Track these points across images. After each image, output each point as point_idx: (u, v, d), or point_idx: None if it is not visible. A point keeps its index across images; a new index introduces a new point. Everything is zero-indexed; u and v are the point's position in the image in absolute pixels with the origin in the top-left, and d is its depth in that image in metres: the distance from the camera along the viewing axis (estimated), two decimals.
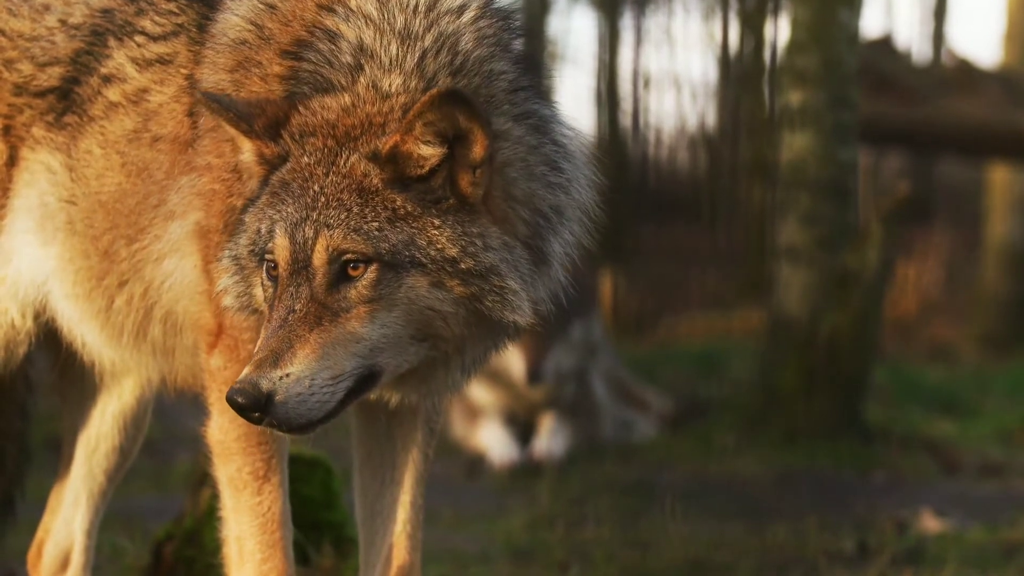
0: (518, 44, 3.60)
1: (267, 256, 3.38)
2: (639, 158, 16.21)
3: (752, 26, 14.60)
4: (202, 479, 4.76)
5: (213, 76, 3.64)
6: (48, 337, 4.09)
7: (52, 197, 3.90)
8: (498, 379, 8.28)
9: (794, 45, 8.10)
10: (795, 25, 8.12)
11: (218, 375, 3.66)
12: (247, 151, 3.49)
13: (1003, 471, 7.90)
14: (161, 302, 3.79)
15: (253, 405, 3.25)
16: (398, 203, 3.33)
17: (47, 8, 3.99)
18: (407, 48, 3.44)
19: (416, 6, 3.49)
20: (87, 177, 3.85)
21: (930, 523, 6.40)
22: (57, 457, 4.39)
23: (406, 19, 3.47)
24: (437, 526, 6.20)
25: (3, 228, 3.97)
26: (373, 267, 3.31)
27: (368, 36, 3.46)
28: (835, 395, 7.98)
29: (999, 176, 12.92)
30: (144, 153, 3.79)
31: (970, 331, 13.21)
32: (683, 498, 6.53)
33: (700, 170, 15.69)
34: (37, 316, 4.01)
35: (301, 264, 3.32)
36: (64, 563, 4.35)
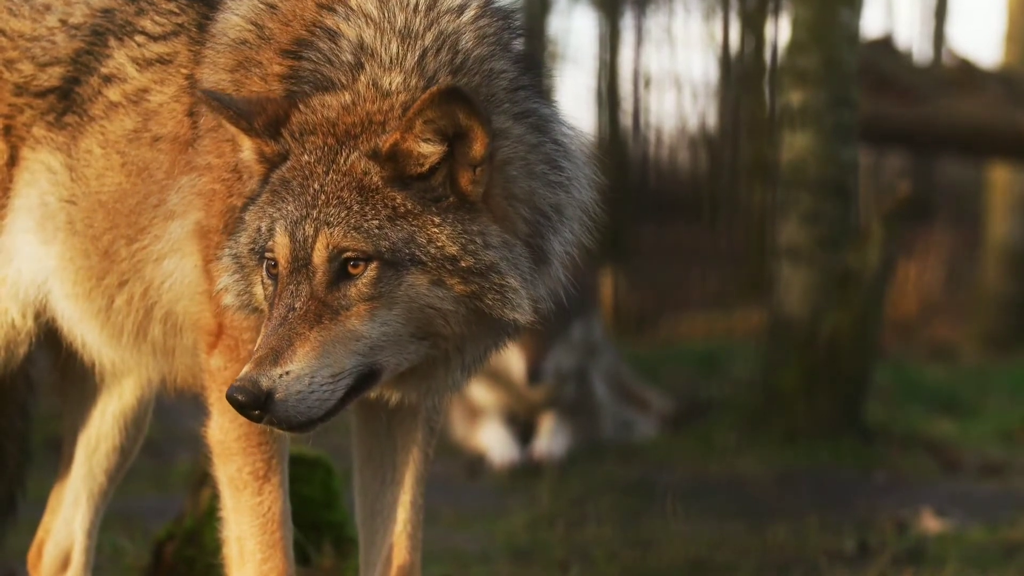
0: (518, 43, 3.60)
1: (267, 254, 3.38)
2: (640, 158, 16.20)
3: (753, 26, 14.60)
4: (202, 479, 4.76)
5: (213, 76, 3.64)
6: (49, 337, 4.09)
7: (52, 197, 3.90)
8: (498, 379, 8.28)
9: (795, 45, 8.10)
10: (796, 25, 8.12)
11: (218, 375, 3.66)
12: (247, 149, 3.49)
13: (1003, 471, 7.90)
14: (161, 302, 3.79)
15: (253, 403, 3.25)
16: (398, 201, 3.34)
17: (48, 8, 3.99)
18: (407, 46, 3.44)
19: (416, 5, 3.49)
20: (87, 177, 3.85)
21: (930, 523, 6.40)
22: (57, 457, 4.39)
23: (406, 18, 3.47)
24: (437, 526, 6.20)
25: (4, 228, 3.97)
26: (373, 265, 3.31)
27: (368, 35, 3.47)
28: (836, 395, 7.98)
29: (999, 176, 12.92)
30: (144, 153, 3.79)
31: (970, 331, 13.21)
32: (683, 498, 6.53)
33: (701, 170, 15.68)
34: (37, 316, 4.01)
35: (301, 262, 3.32)
36: (64, 563, 4.35)
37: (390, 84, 3.42)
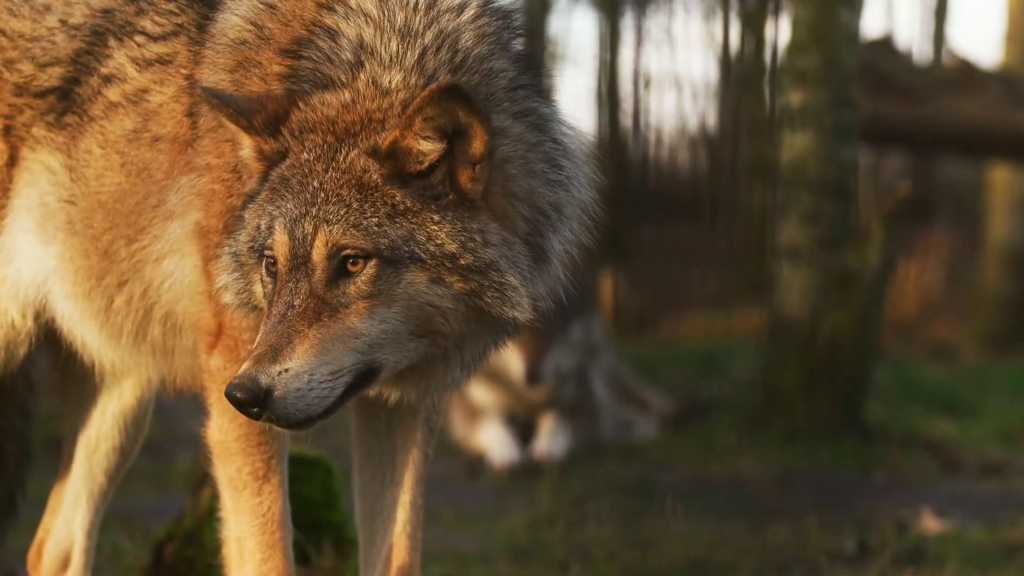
0: (518, 43, 3.60)
1: (266, 252, 3.38)
2: (639, 158, 16.20)
3: (753, 26, 14.59)
4: (202, 479, 4.76)
5: (213, 76, 3.65)
6: (49, 337, 4.09)
7: (52, 197, 3.90)
8: (498, 379, 8.28)
9: (795, 45, 8.10)
10: (796, 25, 8.12)
11: (218, 375, 3.66)
12: (247, 147, 3.49)
13: (1003, 471, 7.90)
14: (161, 302, 3.79)
15: (252, 400, 3.25)
16: (397, 199, 3.34)
17: (48, 8, 3.99)
18: (407, 45, 3.45)
19: (416, 4, 3.50)
20: (87, 177, 3.85)
21: (930, 523, 6.40)
22: (57, 457, 4.39)
23: (406, 16, 3.48)
24: (437, 526, 6.20)
25: (3, 228, 3.97)
26: (372, 263, 3.31)
27: (368, 33, 3.47)
28: (836, 395, 7.98)
29: (999, 176, 12.92)
30: (144, 153, 3.79)
31: (970, 331, 13.21)
32: (683, 498, 6.53)
33: (701, 170, 15.67)
34: (37, 316, 4.01)
35: (300, 260, 3.32)
36: (64, 563, 4.35)
37: (390, 82, 3.42)
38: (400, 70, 3.43)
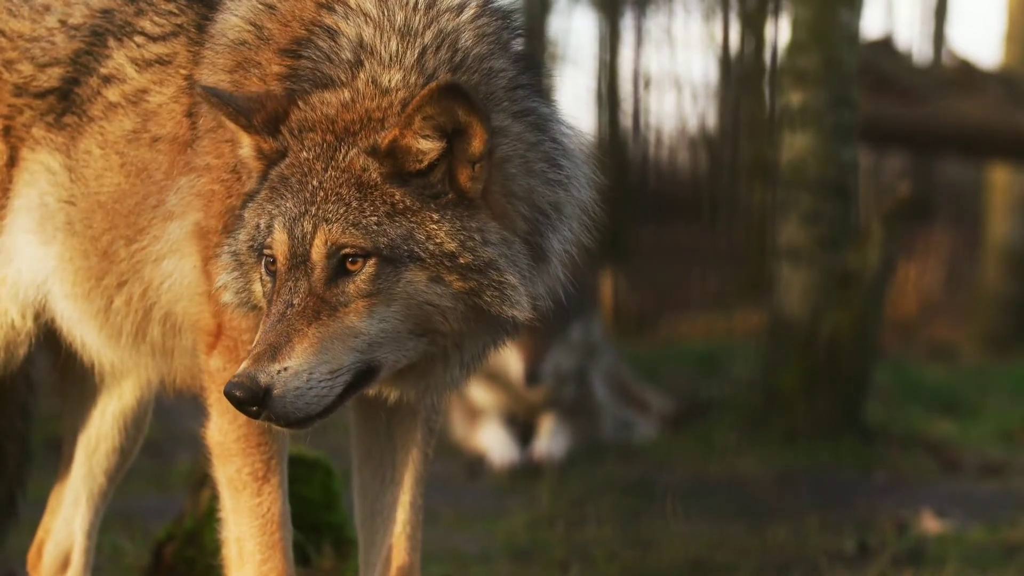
0: (517, 43, 3.60)
1: (266, 251, 3.38)
2: (639, 158, 16.19)
3: (753, 26, 14.59)
4: (202, 480, 4.76)
5: (212, 77, 3.64)
6: (49, 337, 4.09)
7: (52, 197, 3.90)
8: (497, 380, 8.28)
9: (795, 45, 8.10)
10: (796, 25, 8.12)
11: (217, 376, 3.66)
12: (246, 146, 3.49)
13: (1003, 471, 7.90)
14: (160, 303, 3.79)
15: (251, 399, 3.24)
16: (397, 198, 3.34)
17: (47, 9, 3.99)
18: (407, 44, 3.45)
19: (416, 3, 3.50)
20: (86, 177, 3.85)
21: (930, 523, 6.40)
22: (57, 457, 4.39)
23: (406, 16, 3.48)
24: (437, 526, 6.20)
25: (3, 228, 3.97)
26: (372, 261, 3.31)
27: (368, 33, 3.47)
28: (836, 395, 7.98)
29: (999, 176, 12.92)
30: (143, 154, 3.79)
31: (971, 331, 13.21)
32: (683, 498, 6.53)
33: (700, 170, 15.67)
34: (37, 316, 4.01)
35: (300, 258, 3.32)
36: (64, 563, 4.35)
37: (389, 81, 3.42)
38: (400, 69, 3.43)
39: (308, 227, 3.32)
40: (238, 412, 3.34)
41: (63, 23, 3.95)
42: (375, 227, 3.31)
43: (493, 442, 8.36)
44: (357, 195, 3.33)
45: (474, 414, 8.50)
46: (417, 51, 3.44)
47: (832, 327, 7.94)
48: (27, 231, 3.94)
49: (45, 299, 3.97)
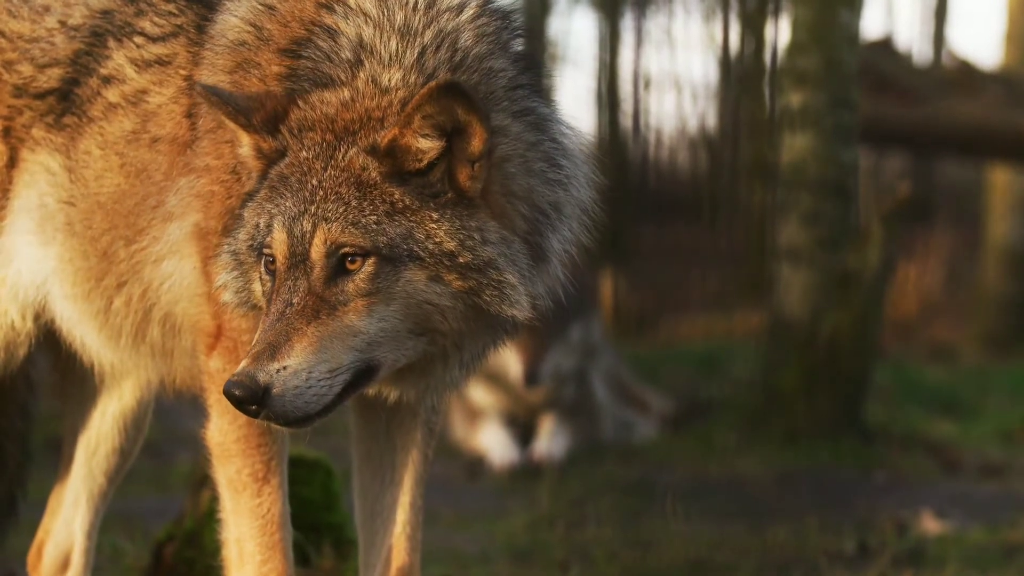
0: (517, 43, 3.60)
1: (265, 250, 3.38)
2: (639, 159, 16.19)
3: (753, 27, 14.59)
4: (202, 480, 4.76)
5: (212, 78, 3.64)
6: (49, 338, 4.09)
7: (51, 198, 3.90)
8: (497, 381, 8.28)
9: (795, 46, 8.10)
10: (796, 26, 8.12)
11: (217, 377, 3.66)
12: (245, 145, 3.49)
13: (1003, 471, 7.90)
14: (160, 304, 3.79)
15: (250, 398, 3.24)
16: (396, 197, 3.34)
17: (47, 9, 3.99)
18: (407, 44, 3.45)
19: (415, 3, 3.50)
20: (86, 178, 3.85)
21: (930, 523, 6.40)
22: (58, 458, 4.39)
23: (405, 16, 3.48)
24: (437, 527, 6.20)
25: (3, 229, 3.97)
26: (371, 261, 3.31)
27: (368, 32, 3.47)
28: (836, 395, 7.98)
29: (999, 176, 12.92)
30: (143, 154, 3.79)
31: (971, 331, 13.21)
32: (683, 498, 6.52)
33: (700, 171, 15.67)
34: (37, 317, 4.01)
35: (299, 258, 3.32)
36: (64, 564, 4.35)
37: (389, 81, 3.42)
38: (399, 68, 3.43)
39: (307, 226, 3.32)
40: (238, 413, 3.34)
41: (63, 24, 3.95)
42: (374, 226, 3.31)
43: (493, 443, 8.36)
44: (356, 194, 3.33)
45: (474, 415, 8.50)
46: (417, 51, 3.45)
47: (832, 327, 7.94)
48: (27, 232, 3.94)
49: (45, 300, 3.97)
